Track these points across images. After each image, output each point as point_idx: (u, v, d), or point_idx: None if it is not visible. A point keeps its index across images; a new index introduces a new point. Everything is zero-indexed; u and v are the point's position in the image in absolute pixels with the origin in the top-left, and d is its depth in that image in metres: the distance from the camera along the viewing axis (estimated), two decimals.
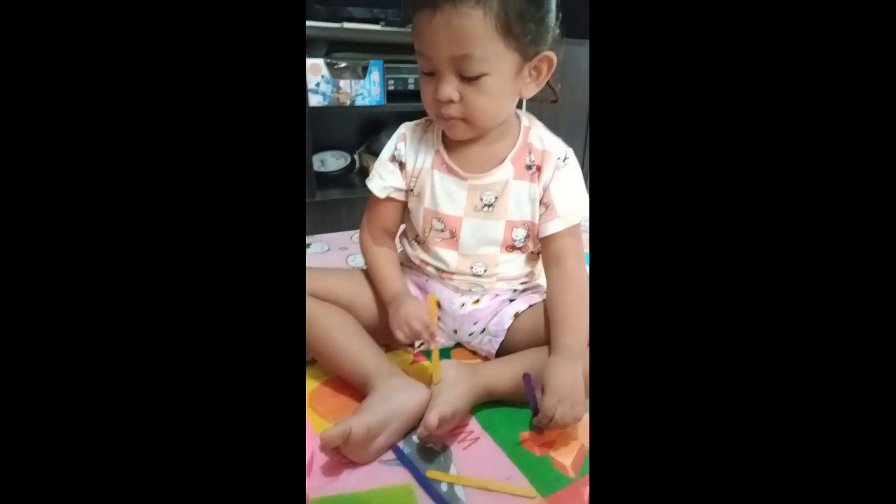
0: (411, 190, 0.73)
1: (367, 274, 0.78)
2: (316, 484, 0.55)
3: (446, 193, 0.70)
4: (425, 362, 0.77)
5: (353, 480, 0.55)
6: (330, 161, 1.57)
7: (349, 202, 1.44)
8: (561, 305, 0.66)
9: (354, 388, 0.68)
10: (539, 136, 0.70)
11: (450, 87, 0.59)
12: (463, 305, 0.75)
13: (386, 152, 0.74)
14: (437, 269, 0.75)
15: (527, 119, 0.71)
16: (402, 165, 0.72)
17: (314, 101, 1.29)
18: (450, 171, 0.70)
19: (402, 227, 0.80)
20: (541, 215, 0.69)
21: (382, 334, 0.73)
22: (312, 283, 0.71)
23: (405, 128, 0.75)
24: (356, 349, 0.67)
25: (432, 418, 0.55)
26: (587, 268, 0.71)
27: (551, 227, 0.68)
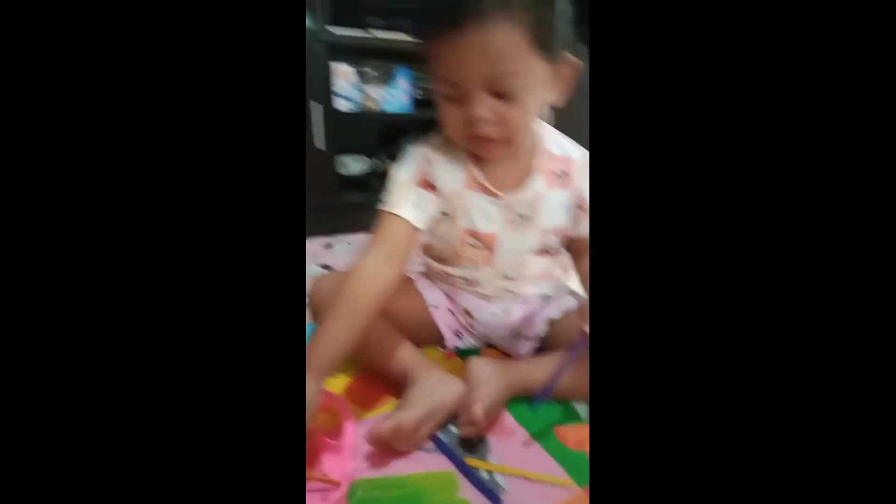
0: (445, 214, 0.70)
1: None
2: (360, 466, 0.56)
3: (482, 212, 0.70)
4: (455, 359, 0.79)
5: (395, 465, 0.57)
6: (350, 164, 1.59)
7: (371, 205, 1.46)
8: None
9: (387, 381, 0.70)
10: (555, 141, 0.71)
11: (484, 107, 0.56)
12: (494, 316, 0.76)
13: (408, 175, 0.67)
14: (466, 279, 0.76)
15: (537, 125, 0.68)
16: (434, 190, 0.68)
17: (344, 106, 1.32)
18: (483, 189, 0.68)
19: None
20: (577, 217, 0.72)
21: (410, 334, 0.74)
22: None
23: (425, 150, 0.68)
24: (394, 345, 0.69)
25: (478, 411, 0.57)
26: None
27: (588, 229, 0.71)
